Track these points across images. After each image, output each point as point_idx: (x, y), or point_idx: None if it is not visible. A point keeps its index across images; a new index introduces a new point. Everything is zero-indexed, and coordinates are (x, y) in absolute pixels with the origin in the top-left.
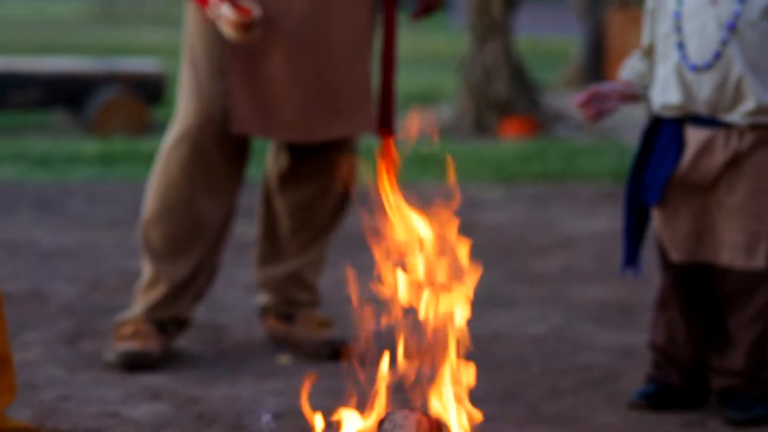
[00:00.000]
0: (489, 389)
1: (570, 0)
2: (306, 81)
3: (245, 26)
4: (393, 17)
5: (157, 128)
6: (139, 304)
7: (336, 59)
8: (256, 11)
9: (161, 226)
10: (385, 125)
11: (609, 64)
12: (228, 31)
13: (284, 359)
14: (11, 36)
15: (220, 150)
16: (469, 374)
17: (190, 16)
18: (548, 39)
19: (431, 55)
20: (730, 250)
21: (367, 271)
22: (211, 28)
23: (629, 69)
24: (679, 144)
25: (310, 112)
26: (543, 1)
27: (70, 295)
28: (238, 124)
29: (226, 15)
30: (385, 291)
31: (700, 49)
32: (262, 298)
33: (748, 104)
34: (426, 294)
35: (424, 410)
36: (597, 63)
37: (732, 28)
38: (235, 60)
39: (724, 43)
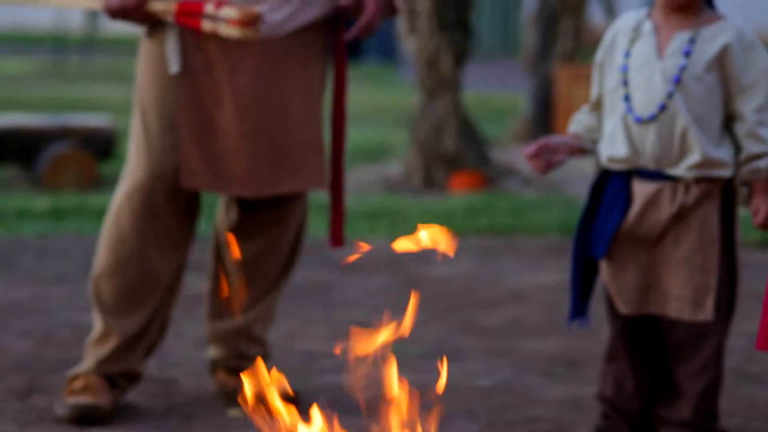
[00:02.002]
0: None
1: (519, 55)
2: (256, 136)
3: (252, 20)
4: (343, 73)
5: (107, 183)
6: (90, 359)
7: (287, 115)
8: (257, 7)
9: (112, 280)
10: (335, 182)
11: (556, 118)
12: (233, 32)
13: (235, 413)
14: None
15: (170, 204)
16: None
17: (142, 71)
18: (496, 94)
19: (380, 110)
20: (677, 303)
21: (317, 324)
22: (162, 83)
23: (577, 123)
24: (626, 197)
25: (261, 167)
26: (492, 56)
27: (22, 350)
28: (189, 179)
29: (230, 15)
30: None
31: (646, 101)
32: (212, 352)
33: (693, 157)
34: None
35: None
36: (545, 118)
37: (677, 81)
38: (185, 115)
39: (670, 96)
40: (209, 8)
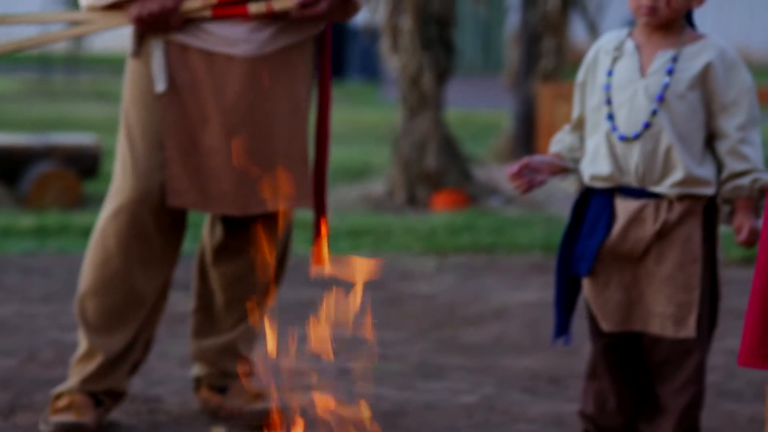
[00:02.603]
0: None
1: (502, 73)
2: (242, 155)
3: None
4: (328, 91)
5: (92, 202)
6: (75, 377)
7: (273, 133)
8: None
9: (97, 298)
10: (318, 200)
11: (539, 136)
12: (289, 2)
13: (218, 431)
14: None
15: (157, 223)
16: None
17: (128, 90)
18: (480, 112)
19: (363, 128)
20: (659, 320)
21: (301, 341)
22: (148, 101)
23: (558, 142)
24: (609, 215)
25: (247, 185)
26: (475, 74)
27: (6, 368)
28: (175, 198)
29: None
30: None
31: (629, 120)
32: (197, 370)
33: (677, 175)
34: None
35: None
36: (527, 136)
37: (661, 99)
38: (172, 134)
39: (654, 113)
40: None
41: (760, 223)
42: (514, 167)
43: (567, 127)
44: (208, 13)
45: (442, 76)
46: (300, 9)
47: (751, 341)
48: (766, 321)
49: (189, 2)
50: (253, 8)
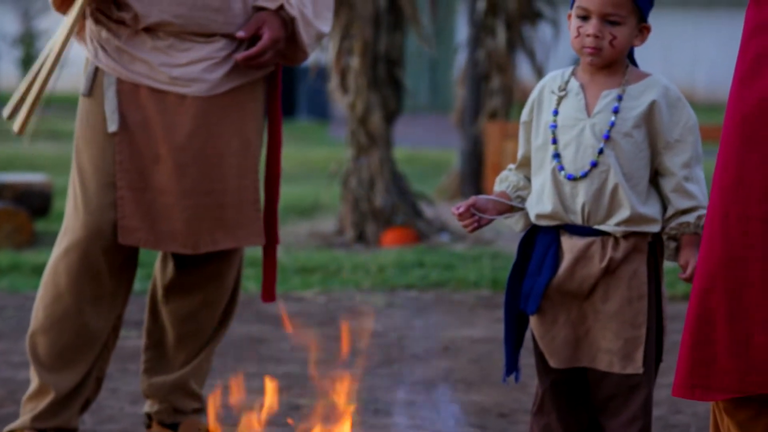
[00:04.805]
0: None
1: (451, 112)
2: (194, 193)
3: None
4: (279, 130)
5: (42, 240)
6: (26, 414)
7: (224, 171)
8: None
9: (48, 336)
10: (269, 238)
11: (486, 175)
12: None
13: None
14: None
15: (108, 261)
16: None
17: (80, 129)
18: (430, 150)
19: (312, 167)
20: (607, 356)
21: (252, 378)
22: (100, 141)
23: (503, 180)
24: (556, 252)
25: (198, 223)
26: (425, 113)
27: None
28: (127, 236)
29: None
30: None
31: (576, 159)
32: (148, 407)
33: (623, 213)
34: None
35: None
36: (475, 175)
37: (608, 138)
38: (123, 172)
39: (600, 152)
40: None
41: None
42: (460, 207)
43: (512, 166)
44: None
45: (391, 115)
46: (244, 60)
47: (682, 372)
48: (695, 352)
49: None
50: None
